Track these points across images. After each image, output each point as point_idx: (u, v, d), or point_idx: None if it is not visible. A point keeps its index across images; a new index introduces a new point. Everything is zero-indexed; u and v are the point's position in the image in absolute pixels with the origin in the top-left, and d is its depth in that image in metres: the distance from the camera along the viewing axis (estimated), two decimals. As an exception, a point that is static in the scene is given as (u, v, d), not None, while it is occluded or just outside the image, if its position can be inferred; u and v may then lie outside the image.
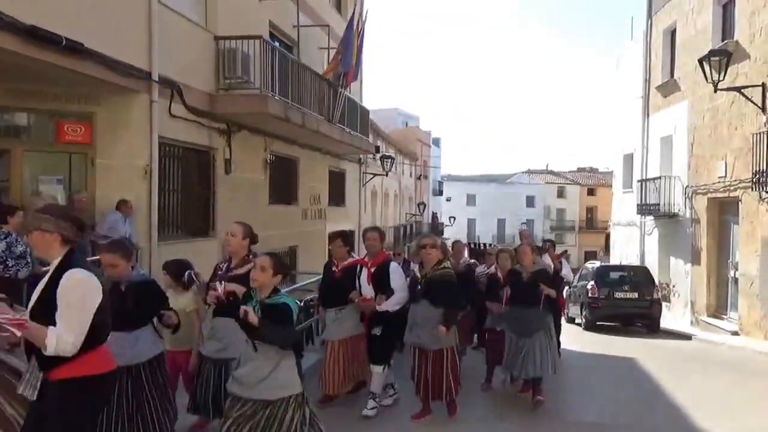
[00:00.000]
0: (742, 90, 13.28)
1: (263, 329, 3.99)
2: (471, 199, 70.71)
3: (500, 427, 6.54)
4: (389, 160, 25.98)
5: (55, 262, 3.45)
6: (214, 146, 12.45)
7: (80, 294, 3.36)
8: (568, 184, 72.54)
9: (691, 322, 16.63)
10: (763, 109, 13.15)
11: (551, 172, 76.52)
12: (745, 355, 11.46)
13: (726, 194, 15.01)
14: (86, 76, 8.69)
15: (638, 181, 20.31)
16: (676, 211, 17.86)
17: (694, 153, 16.92)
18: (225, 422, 4.15)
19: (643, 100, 20.94)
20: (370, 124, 22.54)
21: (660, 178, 18.58)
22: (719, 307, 15.84)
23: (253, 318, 3.94)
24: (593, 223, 69.18)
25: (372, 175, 25.72)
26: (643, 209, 19.75)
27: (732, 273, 15.15)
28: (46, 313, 3.29)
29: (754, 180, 12.81)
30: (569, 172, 79.51)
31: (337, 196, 21.62)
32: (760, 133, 12.77)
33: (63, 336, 3.27)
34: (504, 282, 7.45)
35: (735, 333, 14.05)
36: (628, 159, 23.09)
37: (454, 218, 55.96)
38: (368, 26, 17.33)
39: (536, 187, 71.13)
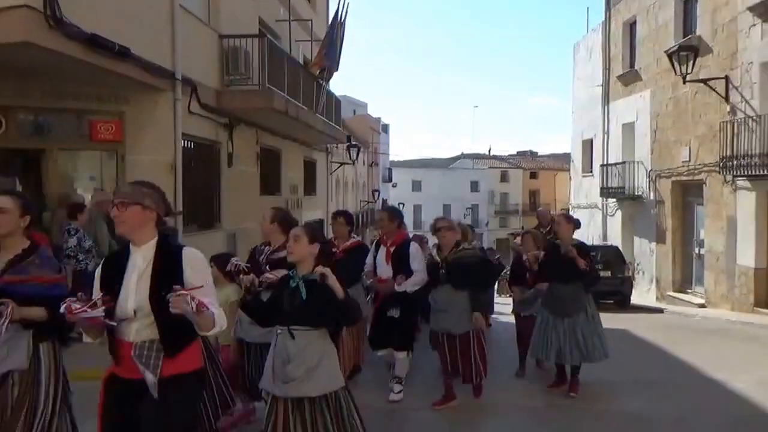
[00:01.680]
0: (708, 82, 14.46)
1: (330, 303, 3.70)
2: (416, 185, 71.61)
3: (525, 408, 6.41)
4: (356, 148, 26.58)
5: (151, 244, 3.26)
6: (219, 141, 12.88)
7: (209, 268, 3.36)
8: (510, 168, 74.28)
9: (657, 297, 17.93)
10: (726, 99, 14.36)
11: (494, 157, 78.19)
12: (720, 324, 12.64)
13: (690, 177, 16.26)
14: (126, 78, 9.07)
15: (601, 165, 21.51)
16: (640, 193, 19.12)
17: (657, 139, 18.16)
18: (266, 424, 3.86)
19: (603, 88, 22.13)
20: (341, 115, 23.11)
21: (624, 162, 19.80)
22: (684, 283, 17.18)
23: (337, 287, 3.68)
24: (536, 206, 71.13)
25: (339, 164, 26.30)
26: (607, 192, 20.98)
27: (697, 250, 16.47)
28: (168, 293, 3.04)
29: (720, 165, 14.01)
30: (509, 156, 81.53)
31: (309, 186, 22.12)
32: (725, 122, 13.97)
33: (219, 310, 3.17)
34: (539, 260, 6.95)
35: (702, 305, 15.34)
36: (587, 144, 24.35)
37: (403, 204, 56.82)
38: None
39: (480, 172, 72.49)
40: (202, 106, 11.68)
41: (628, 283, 16.60)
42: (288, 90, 14.24)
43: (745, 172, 13.30)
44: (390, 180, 56.78)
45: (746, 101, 13.65)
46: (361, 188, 42.16)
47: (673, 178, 17.15)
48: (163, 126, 10.42)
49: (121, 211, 3.18)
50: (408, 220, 54.01)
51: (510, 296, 10.56)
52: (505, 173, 73.27)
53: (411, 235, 7.47)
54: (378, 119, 52.02)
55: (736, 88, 14.03)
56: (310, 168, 22.08)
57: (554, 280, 6.58)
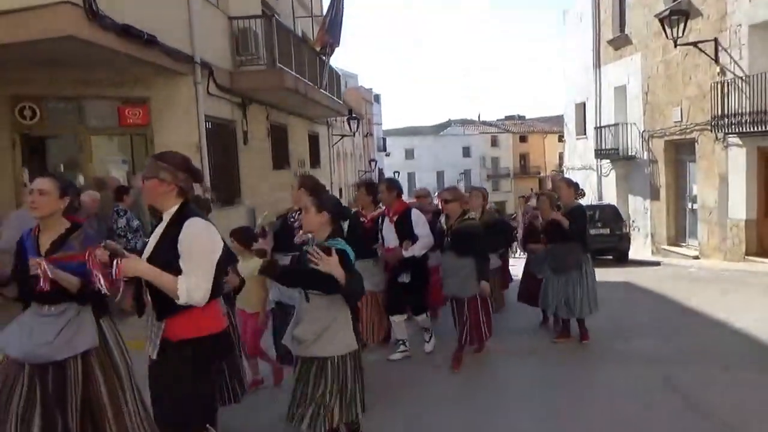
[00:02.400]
0: (698, 44, 15.07)
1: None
2: (409, 153, 72.05)
3: (521, 369, 6.66)
4: (356, 120, 27.09)
5: (171, 211, 3.36)
6: (234, 120, 13.43)
7: (204, 242, 3.30)
8: (500, 132, 74.70)
9: (652, 251, 18.72)
10: (716, 60, 14.98)
11: (483, 122, 78.60)
12: (714, 273, 13.40)
13: (682, 137, 16.93)
14: (151, 64, 9.60)
15: (595, 128, 22.14)
16: (633, 153, 19.81)
17: (649, 101, 18.78)
18: (295, 384, 4.07)
19: (594, 52, 22.67)
20: (341, 88, 23.60)
21: (617, 124, 20.45)
22: (678, 237, 17.98)
23: (337, 273, 3.74)
24: (527, 169, 71.94)
25: (340, 137, 26.85)
26: (601, 153, 21.65)
27: (690, 205, 17.23)
28: (165, 264, 3.22)
29: (712, 123, 14.68)
30: (498, 120, 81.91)
31: (314, 159, 22.68)
32: (716, 83, 14.61)
33: (193, 283, 3.21)
34: (546, 225, 7.44)
35: (696, 257, 16.14)
36: (580, 108, 24.96)
37: (398, 173, 57.38)
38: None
39: (471, 138, 72.90)
40: (218, 87, 12.22)
41: (625, 239, 17.33)
42: (295, 67, 14.76)
43: (736, 130, 13.98)
44: (384, 149, 57.28)
45: (735, 62, 14.28)
46: (359, 159, 42.72)
47: (666, 138, 17.82)
48: (186, 108, 10.96)
49: (144, 185, 3.41)
50: (403, 188, 54.48)
51: (520, 257, 11.18)
52: (495, 138, 73.73)
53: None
54: (369, 90, 52.33)
55: (726, 50, 14.65)
56: (313, 141, 22.61)
57: (552, 241, 7.20)
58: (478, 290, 6.28)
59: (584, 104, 24.34)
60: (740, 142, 14.34)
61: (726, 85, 14.30)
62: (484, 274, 6.24)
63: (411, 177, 68.47)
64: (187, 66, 10.82)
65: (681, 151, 17.60)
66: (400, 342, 6.86)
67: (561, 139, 67.29)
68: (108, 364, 3.69)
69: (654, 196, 18.70)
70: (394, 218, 6.56)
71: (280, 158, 17.50)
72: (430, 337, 7.06)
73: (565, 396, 5.72)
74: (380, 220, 6.69)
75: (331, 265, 3.70)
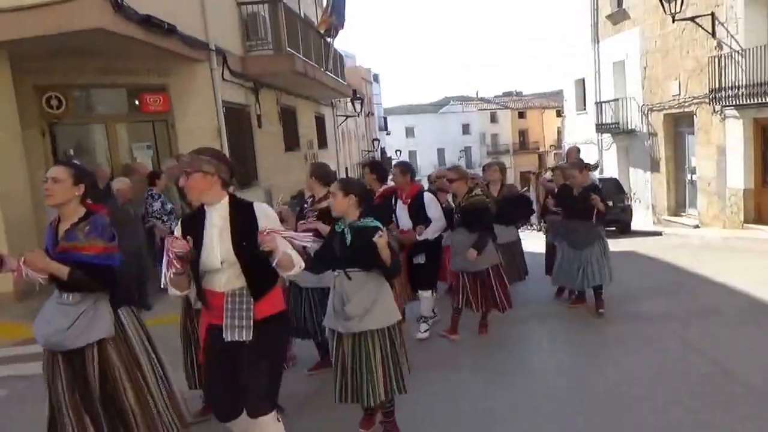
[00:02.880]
0: (695, 19, 15.44)
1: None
2: (410, 132, 72.18)
3: (539, 329, 7.12)
4: (360, 101, 27.46)
5: (224, 203, 3.52)
6: (248, 104, 13.84)
7: (277, 219, 3.59)
8: (499, 109, 74.80)
9: (654, 222, 19.22)
10: (713, 35, 15.36)
11: (482, 99, 78.65)
12: (715, 240, 13.91)
13: (681, 110, 17.35)
14: (170, 52, 10.01)
15: (595, 103, 22.53)
16: (633, 127, 20.23)
17: (648, 75, 19.17)
18: (335, 358, 4.29)
19: (592, 28, 22.99)
20: (344, 69, 23.94)
21: (617, 99, 20.85)
22: (678, 207, 18.49)
23: (385, 253, 3.98)
24: (526, 145, 72.16)
25: (344, 117, 27.23)
26: (601, 128, 22.07)
27: (689, 176, 17.70)
28: (255, 248, 3.37)
29: (710, 96, 15.11)
30: (496, 97, 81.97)
31: (321, 140, 23.09)
32: (713, 57, 15.01)
33: (294, 253, 3.48)
34: (556, 198, 7.70)
35: (696, 226, 16.64)
36: (579, 83, 25.31)
37: (400, 151, 57.68)
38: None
39: (470, 115, 72.94)
40: (231, 73, 12.62)
41: (628, 211, 17.80)
42: (302, 51, 15.14)
43: (733, 102, 14.40)
44: (386, 128, 57.55)
45: (732, 36, 14.66)
46: (362, 139, 43.06)
47: (665, 111, 18.24)
48: (204, 94, 11.36)
49: (185, 179, 3.49)
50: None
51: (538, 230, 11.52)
52: (494, 114, 73.80)
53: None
54: (368, 70, 52.50)
55: (722, 24, 15.03)
56: (320, 123, 23.00)
57: (570, 218, 7.34)
58: (491, 262, 6.52)
59: (584, 80, 24.68)
60: (737, 114, 14.77)
61: (723, 58, 14.70)
62: (480, 244, 6.36)
63: (412, 155, 68.55)
64: (203, 53, 11.21)
65: (680, 124, 18.02)
66: (423, 319, 7.00)
67: (559, 114, 67.54)
68: (126, 352, 3.72)
69: (654, 168, 19.16)
70: (407, 201, 6.72)
71: (291, 140, 17.92)
72: (426, 323, 7.04)
73: (583, 354, 6.24)
74: (393, 200, 6.82)
75: (385, 246, 3.94)
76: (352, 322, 4.10)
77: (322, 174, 5.70)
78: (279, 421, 3.56)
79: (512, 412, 4.84)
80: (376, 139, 45.06)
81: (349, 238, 4.13)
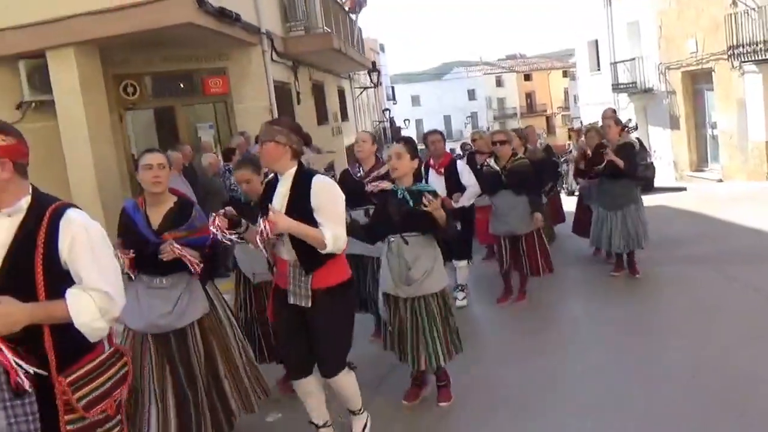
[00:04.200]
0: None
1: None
2: (415, 100, 72.33)
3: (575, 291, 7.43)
4: (377, 72, 28.04)
5: (291, 172, 3.63)
6: (289, 82, 14.57)
7: (335, 195, 3.62)
8: (504, 72, 74.83)
9: (676, 178, 19.96)
10: (729, -8, 15.98)
11: (486, 63, 78.62)
12: (741, 191, 14.61)
13: (699, 67, 18.00)
14: (230, 38, 10.73)
15: (610, 63, 23.12)
16: (651, 86, 20.87)
17: (663, 34, 19.77)
18: (393, 323, 4.44)
19: (605, -11, 23.51)
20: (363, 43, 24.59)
21: (633, 59, 21.46)
22: (700, 162, 19.24)
23: (440, 215, 4.07)
24: (533, 108, 72.29)
25: (362, 89, 27.88)
26: (618, 88, 22.70)
27: (710, 132, 18.41)
28: (301, 219, 3.47)
29: (728, 53, 15.77)
30: (499, 60, 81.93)
31: (343, 112, 23.81)
32: (729, 15, 15.64)
33: (335, 232, 3.50)
34: (591, 157, 7.55)
35: (719, 180, 17.40)
36: (592, 45, 25.86)
37: (409, 120, 58.10)
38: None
39: (475, 80, 72.87)
40: (277, 53, 13.35)
41: (651, 168, 18.42)
42: (334, 28, 15.84)
43: (752, 58, 15.07)
44: (393, 98, 57.96)
45: (747, -7, 15.29)
46: (372, 109, 43.68)
47: (682, 69, 18.88)
48: (257, 76, 12.09)
49: (259, 148, 3.68)
50: (412, 135, 55.28)
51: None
52: (499, 78, 73.73)
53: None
54: (375, 40, 52.80)
55: (737, -18, 15.63)
56: (341, 96, 23.72)
57: (603, 177, 7.22)
58: (533, 226, 6.59)
59: (596, 41, 25.22)
60: (756, 69, 15.43)
61: (740, 15, 15.32)
62: (538, 207, 6.54)
63: (419, 123, 68.75)
64: (256, 37, 11.94)
65: (698, 81, 18.68)
66: (460, 287, 7.11)
67: (566, 74, 67.72)
68: (216, 325, 3.93)
69: (674, 125, 19.84)
70: (441, 170, 6.77)
71: (321, 114, 18.68)
72: (463, 291, 7.18)
73: (637, 302, 6.72)
74: (425, 172, 6.73)
75: (440, 209, 4.03)
76: (413, 286, 4.25)
77: (380, 143, 6.09)
78: (351, 372, 3.83)
79: (556, 382, 4.85)
80: (387, 110, 45.54)
81: (411, 201, 4.20)
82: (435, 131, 7.15)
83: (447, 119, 71.03)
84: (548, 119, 69.41)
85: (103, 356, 2.49)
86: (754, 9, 14.91)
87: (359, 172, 5.78)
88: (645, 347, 5.31)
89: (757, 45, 14.73)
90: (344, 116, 24.03)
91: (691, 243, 9.04)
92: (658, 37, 20.10)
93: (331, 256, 3.58)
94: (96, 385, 2.41)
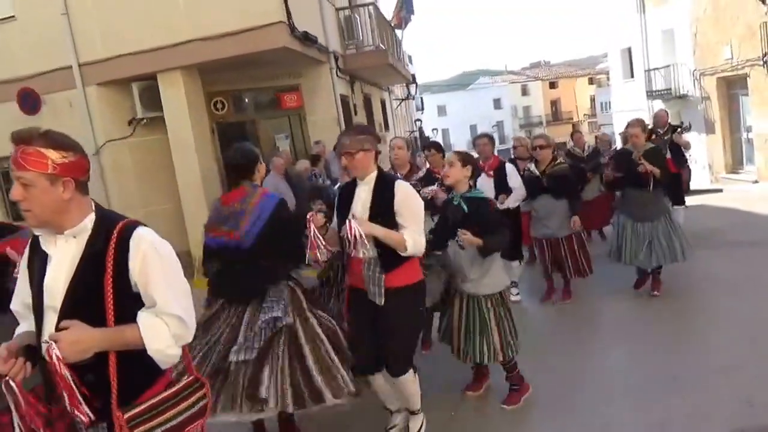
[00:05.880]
0: (745, -12, 16.88)
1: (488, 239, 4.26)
2: (441, 110, 72.98)
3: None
4: (415, 84, 29.11)
5: (372, 177, 3.78)
6: (347, 95, 15.62)
7: (417, 201, 3.79)
8: (529, 81, 75.27)
9: (711, 181, 20.68)
10: (763, 1, 16.76)
11: (511, 72, 79.15)
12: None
13: (733, 73, 18.78)
14: (304, 57, 11.79)
15: (645, 70, 23.93)
16: (685, 92, 21.65)
17: (698, 42, 20.56)
18: (447, 323, 4.70)
19: (638, -1, 24.35)
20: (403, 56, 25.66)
21: (668, 66, 22.26)
22: (735, 165, 19.97)
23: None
24: (558, 116, 72.48)
25: (400, 100, 28.96)
26: (653, 94, 23.49)
27: (745, 135, 19.15)
28: (384, 223, 3.63)
29: (764, 60, 16.57)
30: (523, 69, 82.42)
31: (385, 123, 24.87)
32: (765, 22, 16.45)
33: (416, 236, 3.67)
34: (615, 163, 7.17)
35: (755, 181, 18.12)
36: (625, 52, 26.67)
37: (437, 130, 58.94)
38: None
39: (500, 89, 73.16)
40: (339, 69, 14.42)
41: (687, 171, 19.25)
42: (387, 45, 16.89)
43: (786, 64, 15.88)
44: (422, 108, 59.01)
45: (782, 2, 16.09)
46: (404, 120, 44.76)
47: (717, 75, 19.66)
48: (326, 90, 13.16)
49: (350, 160, 3.73)
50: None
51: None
52: (525, 87, 73.97)
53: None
54: (404, 52, 53.81)
55: (771, -9, 16.44)
56: (383, 107, 24.80)
57: (629, 187, 6.75)
58: (573, 230, 6.71)
59: (629, 49, 26.02)
60: (791, 74, 16.23)
61: (775, 23, 16.15)
62: (576, 210, 6.65)
63: (445, 133, 69.29)
64: (325, 55, 13.01)
65: (733, 86, 19.44)
66: (513, 284, 7.14)
67: (591, 81, 68.07)
68: (299, 310, 3.95)
69: (709, 129, 20.59)
70: (490, 172, 6.89)
71: (371, 124, 19.75)
72: (516, 287, 7.34)
73: (682, 297, 7.27)
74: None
75: (472, 239, 4.20)
76: (467, 284, 4.53)
77: (414, 149, 6.64)
78: (415, 375, 3.99)
79: (596, 374, 5.09)
80: (418, 120, 46.55)
81: (465, 207, 4.40)
82: (483, 135, 7.19)
83: (473, 128, 71.37)
84: (574, 126, 69.26)
85: (177, 387, 2.37)
86: (788, 17, 15.72)
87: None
88: (688, 345, 5.53)
89: (791, 51, 15.53)
90: (386, 126, 25.13)
91: (740, 231, 9.90)
92: (693, 44, 20.88)
93: (408, 257, 3.75)
94: (162, 420, 2.26)
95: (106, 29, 10.05)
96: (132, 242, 2.22)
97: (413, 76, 27.42)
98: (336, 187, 9.60)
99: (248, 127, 12.55)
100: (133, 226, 2.27)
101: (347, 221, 3.58)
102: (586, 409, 4.49)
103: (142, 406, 2.22)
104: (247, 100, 12.44)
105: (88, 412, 2.12)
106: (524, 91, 73.94)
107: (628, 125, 6.87)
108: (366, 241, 3.60)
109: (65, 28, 10.25)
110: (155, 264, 2.24)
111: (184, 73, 10.01)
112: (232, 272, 3.82)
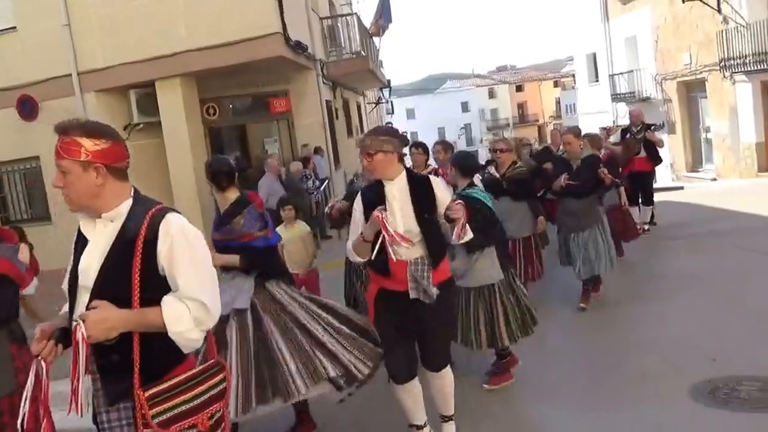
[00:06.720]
0: (702, -1, 17.95)
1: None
2: (410, 113, 73.64)
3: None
4: (388, 88, 29.83)
5: (401, 177, 3.73)
6: (330, 100, 16.26)
7: (450, 190, 3.98)
8: (496, 84, 76.44)
9: (673, 179, 21.73)
10: (719, 11, 17.82)
11: (477, 76, 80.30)
12: (735, 187, 16.38)
13: (693, 77, 19.86)
14: (294, 64, 12.41)
15: (609, 75, 24.98)
16: (648, 95, 22.70)
17: (660, 48, 21.63)
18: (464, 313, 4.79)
19: (601, 7, 25.39)
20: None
21: (632, 71, 23.32)
22: (695, 163, 21.06)
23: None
24: (525, 118, 73.79)
25: (374, 104, 29.65)
26: (617, 97, 24.54)
27: (704, 135, 20.24)
28: (431, 219, 3.66)
29: (720, 65, 17.63)
30: (490, 72, 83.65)
31: (361, 126, 25.55)
32: (721, 31, 17.50)
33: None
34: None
35: (713, 179, 19.18)
36: (590, 58, 27.76)
37: (407, 132, 59.50)
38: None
39: (468, 92, 74.09)
40: (324, 76, 15.06)
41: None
42: (367, 52, 17.58)
43: (741, 69, 16.92)
44: (392, 112, 59.74)
45: (736, 12, 17.14)
46: (375, 123, 45.51)
47: (678, 79, 20.74)
48: (312, 96, 13.83)
49: (369, 161, 3.68)
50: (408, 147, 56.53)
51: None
52: (492, 90, 75.03)
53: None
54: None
55: (727, 2, 17.48)
56: (359, 111, 25.48)
57: (565, 196, 6.67)
58: (532, 231, 6.67)
59: (594, 54, 27.09)
60: (746, 79, 17.27)
61: (730, 32, 17.18)
62: (539, 211, 6.68)
63: (414, 136, 69.61)
64: (311, 63, 13.65)
65: (692, 90, 20.53)
66: None
67: (557, 84, 69.39)
68: (275, 309, 4.10)
69: (671, 130, 21.59)
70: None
71: (349, 128, 20.41)
72: None
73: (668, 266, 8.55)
74: None
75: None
76: (474, 277, 4.73)
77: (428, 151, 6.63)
78: (451, 371, 3.97)
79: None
80: (389, 123, 47.37)
81: None
82: (439, 142, 7.23)
83: (441, 131, 72.10)
84: (540, 129, 70.72)
85: (197, 370, 2.41)
86: (743, 25, 16.76)
87: (361, 182, 5.97)
88: (660, 316, 6.20)
89: (746, 58, 16.56)
90: (361, 129, 25.78)
91: (703, 223, 10.78)
92: (655, 51, 21.95)
93: (446, 250, 3.84)
94: (181, 400, 2.30)
95: (107, 39, 10.60)
96: (162, 227, 2.27)
97: (389, 81, 28.13)
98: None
99: (238, 132, 13.11)
100: (164, 211, 2.33)
101: (376, 216, 3.49)
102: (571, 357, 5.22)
103: (163, 386, 2.26)
104: (237, 105, 13.01)
105: (81, 401, 2.18)
106: (491, 95, 74.94)
107: (562, 133, 7.04)
108: (406, 240, 3.55)
109: (66, 38, 10.77)
110: (182, 249, 2.28)
111: (183, 81, 10.59)
112: None
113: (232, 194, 4.22)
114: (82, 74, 11.03)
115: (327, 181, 12.43)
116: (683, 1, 18.03)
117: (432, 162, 6.89)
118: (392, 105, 59.67)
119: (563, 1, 30.05)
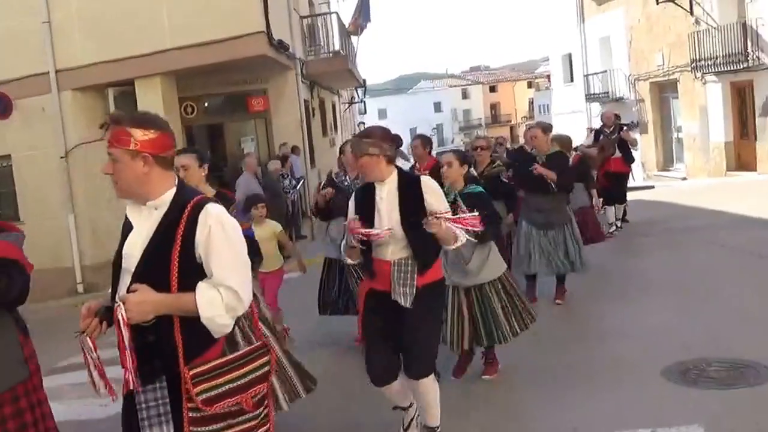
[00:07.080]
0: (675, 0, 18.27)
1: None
2: (382, 113, 73.60)
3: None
4: (363, 88, 29.86)
5: (393, 178, 3.71)
6: (308, 99, 16.28)
7: (442, 193, 3.83)
8: (469, 85, 76.76)
9: (644, 178, 22.07)
10: (691, 13, 18.17)
11: (451, 76, 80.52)
12: (704, 185, 16.73)
13: (665, 78, 20.24)
14: (274, 62, 12.42)
15: (584, 75, 25.30)
16: (621, 95, 23.05)
17: (633, 48, 21.99)
18: (451, 311, 4.74)
19: (577, 7, 25.69)
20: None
21: (605, 71, 23.65)
22: (666, 162, 21.46)
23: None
24: (498, 118, 74.18)
25: (348, 103, 29.71)
26: (591, 97, 24.87)
27: (675, 135, 20.63)
28: (416, 222, 3.56)
29: (692, 66, 17.99)
30: (463, 72, 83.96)
31: (335, 124, 25.62)
32: (692, 33, 17.87)
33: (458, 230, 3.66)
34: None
35: (683, 178, 19.56)
36: (566, 58, 28.08)
37: (381, 132, 59.64)
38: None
39: (441, 93, 74.10)
40: (302, 75, 15.08)
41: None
42: (345, 51, 17.64)
43: (712, 70, 17.29)
44: (365, 111, 59.75)
45: (707, 14, 17.51)
46: (348, 122, 45.50)
47: (650, 80, 21.11)
48: (291, 95, 13.84)
49: (359, 163, 3.73)
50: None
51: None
52: (465, 90, 75.16)
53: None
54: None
55: (699, 4, 17.84)
56: (333, 110, 25.50)
57: (532, 192, 6.59)
58: (507, 229, 6.66)
59: (570, 55, 27.41)
60: (716, 79, 17.66)
61: (701, 33, 17.54)
62: (513, 209, 6.68)
63: (387, 135, 69.85)
64: (291, 61, 13.66)
65: (664, 90, 20.92)
66: None
67: (530, 85, 69.87)
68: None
69: (643, 130, 21.98)
70: (425, 173, 6.27)
71: (325, 126, 20.45)
72: None
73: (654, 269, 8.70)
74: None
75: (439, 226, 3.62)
76: (469, 277, 4.71)
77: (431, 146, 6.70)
78: (436, 382, 3.85)
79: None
80: (362, 123, 47.40)
81: (464, 205, 4.39)
82: (418, 136, 7.03)
83: (413, 131, 71.65)
84: (512, 129, 71.12)
85: (243, 350, 2.56)
86: (714, 27, 17.13)
87: (346, 180, 5.92)
88: (637, 306, 6.45)
89: (717, 59, 16.93)
90: (335, 128, 25.82)
91: (675, 220, 11.04)
92: (629, 51, 22.30)
93: (438, 254, 3.79)
94: (224, 381, 2.39)
95: (87, 37, 10.51)
96: (201, 216, 2.38)
97: (364, 80, 28.16)
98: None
99: (215, 130, 13.09)
100: (204, 201, 2.44)
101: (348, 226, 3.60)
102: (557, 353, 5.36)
103: (207, 366, 2.37)
104: (216, 104, 12.99)
105: (133, 375, 2.31)
106: (464, 95, 75.10)
107: (529, 127, 7.06)
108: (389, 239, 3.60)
109: (46, 35, 10.66)
110: (218, 237, 2.38)
111: (163, 79, 10.55)
112: None
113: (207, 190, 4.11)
114: (60, 72, 10.93)
115: (303, 181, 12.49)
116: (657, 3, 18.33)
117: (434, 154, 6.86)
118: (365, 105, 60.07)
119: (539, 1, 30.09)
